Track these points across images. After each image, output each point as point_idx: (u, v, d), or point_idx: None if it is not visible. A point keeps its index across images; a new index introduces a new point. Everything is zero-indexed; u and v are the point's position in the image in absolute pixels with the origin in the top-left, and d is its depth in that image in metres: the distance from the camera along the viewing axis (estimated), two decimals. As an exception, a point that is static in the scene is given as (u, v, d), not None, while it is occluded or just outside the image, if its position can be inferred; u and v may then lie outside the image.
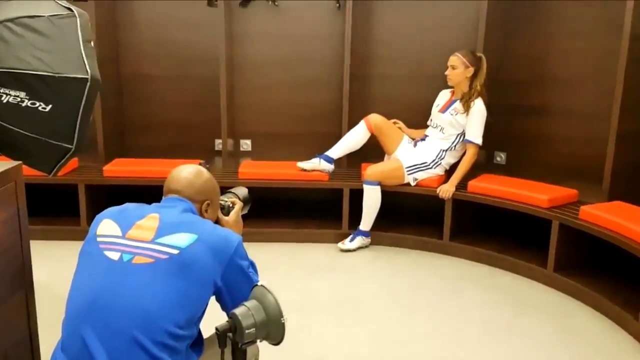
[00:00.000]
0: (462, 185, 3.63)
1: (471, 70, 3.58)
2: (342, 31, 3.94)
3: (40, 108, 1.96)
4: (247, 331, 1.33)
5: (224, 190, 1.95)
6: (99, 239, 1.55)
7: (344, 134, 3.90)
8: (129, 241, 1.52)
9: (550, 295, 3.19)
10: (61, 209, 3.93)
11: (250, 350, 1.46)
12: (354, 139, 3.82)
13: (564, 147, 3.80)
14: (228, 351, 1.38)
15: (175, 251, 1.49)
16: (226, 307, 1.57)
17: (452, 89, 3.73)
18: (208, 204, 1.70)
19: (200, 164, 1.76)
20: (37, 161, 2.16)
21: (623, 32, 3.10)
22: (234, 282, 1.55)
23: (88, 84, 2.00)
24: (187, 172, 1.70)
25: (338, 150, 3.84)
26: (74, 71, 1.98)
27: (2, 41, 1.91)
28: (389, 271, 3.48)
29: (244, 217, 1.88)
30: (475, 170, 3.74)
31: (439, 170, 3.73)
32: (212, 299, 1.57)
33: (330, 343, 2.67)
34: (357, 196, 3.73)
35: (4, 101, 1.92)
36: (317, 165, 3.81)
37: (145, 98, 4.30)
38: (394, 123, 3.88)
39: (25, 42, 1.95)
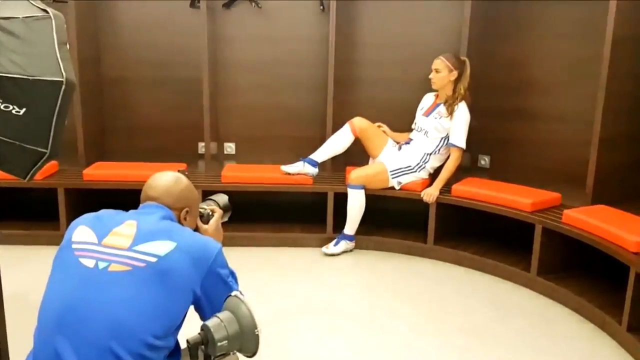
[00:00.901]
0: (446, 188, 3.62)
1: (455, 73, 3.57)
2: (326, 33, 3.92)
3: (13, 112, 1.90)
4: (219, 344, 1.30)
5: (205, 197, 1.91)
6: (74, 246, 1.51)
7: (328, 137, 3.88)
8: (105, 248, 1.48)
9: (533, 299, 3.19)
10: (40, 213, 3.87)
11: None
12: (338, 142, 3.80)
13: (547, 150, 3.81)
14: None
15: (153, 259, 1.45)
16: (205, 316, 1.54)
17: (436, 93, 3.73)
18: (187, 212, 1.66)
19: (179, 171, 1.72)
20: (11, 166, 2.10)
21: (606, 36, 3.11)
22: (213, 291, 1.52)
23: (63, 87, 1.94)
24: (166, 179, 1.67)
25: (322, 153, 3.82)
26: (48, 74, 1.93)
27: (-26, 43, 1.86)
28: (373, 276, 3.46)
29: (224, 223, 1.84)
30: (459, 174, 3.74)
31: (423, 174, 3.72)
32: (191, 308, 1.53)
33: (312, 349, 2.64)
34: (341, 200, 3.70)
35: (-24, 105, 1.87)
36: (301, 168, 3.79)
37: (127, 100, 4.24)
38: (379, 126, 3.86)
39: (-1, 44, 1.90)
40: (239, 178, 3.81)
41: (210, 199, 1.88)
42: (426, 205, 3.62)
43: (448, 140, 3.64)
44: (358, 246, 3.77)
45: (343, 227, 3.71)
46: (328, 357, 2.58)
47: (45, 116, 1.95)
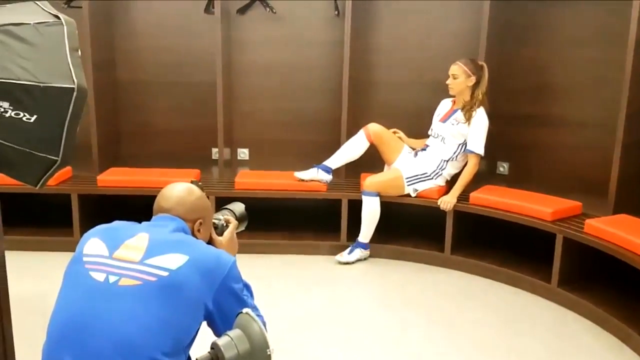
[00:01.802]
0: (463, 196, 3.55)
1: (473, 79, 3.51)
2: (340, 38, 3.88)
3: (24, 119, 1.88)
4: (229, 363, 1.25)
5: (218, 204, 1.87)
6: (85, 259, 1.48)
7: (343, 143, 3.83)
8: (116, 261, 1.45)
9: (554, 311, 3.10)
10: (54, 219, 3.86)
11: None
12: (353, 148, 3.74)
13: (567, 157, 3.73)
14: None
15: (165, 273, 1.41)
16: (218, 332, 1.50)
17: (453, 98, 3.66)
18: (200, 223, 1.63)
19: (192, 182, 1.69)
20: (22, 173, 2.08)
21: (628, 41, 3.04)
22: (226, 306, 1.48)
23: (75, 93, 1.92)
24: (178, 190, 1.64)
25: (336, 160, 3.77)
26: (60, 81, 1.90)
27: (-15, 50, 1.84)
28: (388, 285, 3.40)
29: (239, 232, 1.80)
30: (477, 181, 3.66)
31: (440, 181, 3.65)
32: (204, 324, 1.49)
33: (327, 361, 2.59)
34: (355, 207, 3.65)
35: (-13, 112, 1.85)
36: (315, 175, 3.74)
37: (141, 105, 4.24)
38: (394, 132, 3.80)
39: (10, 51, 1.88)
40: (252, 185, 3.78)
41: (226, 208, 1.83)
42: (443, 213, 3.55)
43: (465, 146, 3.57)
44: (373, 255, 3.71)
45: (357, 235, 3.65)
46: (342, 370, 2.53)
47: (56, 123, 1.93)
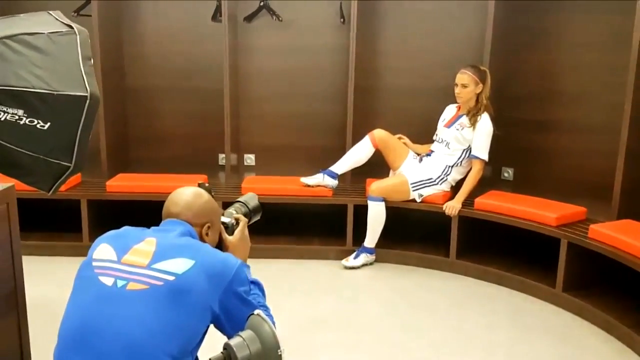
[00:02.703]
0: (468, 202, 3.57)
1: (481, 86, 3.53)
2: (345, 44, 3.92)
3: (38, 126, 1.92)
4: (241, 363, 1.28)
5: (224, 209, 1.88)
6: (94, 264, 1.51)
7: (349, 148, 3.86)
8: (124, 266, 1.48)
9: (559, 316, 3.12)
10: (64, 224, 3.90)
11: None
12: (358, 154, 3.78)
13: (572, 163, 3.75)
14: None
15: (171, 277, 1.44)
16: (226, 334, 1.52)
17: (458, 104, 3.69)
18: (209, 227, 1.65)
19: (199, 185, 1.71)
20: (35, 179, 2.12)
21: (632, 46, 3.05)
22: (233, 309, 1.50)
23: (87, 101, 1.96)
24: (186, 194, 1.66)
25: (342, 165, 3.80)
26: (73, 89, 1.94)
27: (0, 58, 1.88)
28: (393, 290, 3.42)
29: (251, 231, 1.79)
30: (482, 187, 3.68)
31: (445, 186, 3.68)
32: (212, 326, 1.52)
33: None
34: (361, 212, 3.67)
35: (2, 119, 1.89)
36: (320, 180, 3.77)
37: (149, 111, 4.29)
38: (399, 138, 3.83)
39: (24, 60, 1.92)
40: (259, 190, 3.72)
41: (239, 201, 1.84)
42: (448, 219, 3.57)
43: (470, 152, 3.59)
44: (378, 259, 3.73)
45: (363, 240, 3.68)
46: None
47: (69, 130, 1.97)
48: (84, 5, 3.90)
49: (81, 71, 1.99)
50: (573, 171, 3.74)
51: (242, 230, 1.76)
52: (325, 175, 3.77)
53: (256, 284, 1.60)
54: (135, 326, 1.39)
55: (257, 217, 1.84)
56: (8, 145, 1.94)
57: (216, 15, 4.00)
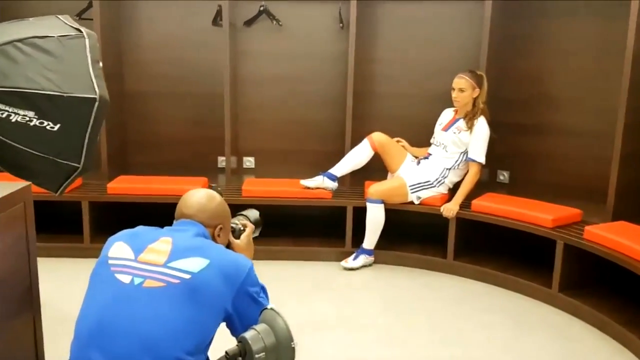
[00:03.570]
0: (466, 204, 3.62)
1: (478, 91, 3.59)
2: (345, 49, 3.97)
3: (48, 127, 1.96)
4: (257, 355, 1.33)
5: (234, 212, 1.94)
6: (110, 262, 1.54)
7: (347, 152, 3.91)
8: (141, 264, 1.51)
9: (555, 316, 3.17)
10: (64, 226, 3.92)
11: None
12: (357, 157, 3.82)
13: (567, 166, 3.81)
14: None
15: (187, 276, 1.48)
16: (236, 332, 1.56)
17: (455, 108, 3.74)
18: (220, 228, 1.70)
19: (211, 187, 1.76)
20: (44, 180, 2.15)
21: (626, 52, 3.12)
22: (244, 308, 1.55)
23: (96, 104, 2.00)
24: (199, 197, 1.71)
25: (341, 168, 3.85)
26: (82, 91, 1.98)
27: (11, 61, 1.92)
28: (392, 291, 3.46)
29: (254, 238, 1.87)
30: (478, 189, 3.74)
31: (443, 189, 3.73)
32: (222, 324, 1.56)
33: (335, 364, 2.65)
34: (360, 214, 3.72)
35: (13, 120, 1.92)
36: (320, 183, 3.81)
37: (149, 115, 4.31)
38: (397, 141, 3.89)
39: (35, 62, 1.96)
40: (259, 192, 3.85)
41: (242, 214, 1.91)
42: (446, 220, 3.62)
43: (467, 155, 3.65)
44: (377, 260, 3.78)
45: (362, 242, 3.72)
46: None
47: (78, 132, 2.01)
48: (85, 8, 3.93)
49: (90, 74, 2.03)
50: (568, 174, 3.80)
51: (248, 235, 1.83)
52: (325, 178, 3.82)
53: (262, 287, 1.64)
54: (153, 323, 1.42)
55: (257, 232, 1.94)
56: (18, 146, 1.97)
57: (217, 20, 4.04)
